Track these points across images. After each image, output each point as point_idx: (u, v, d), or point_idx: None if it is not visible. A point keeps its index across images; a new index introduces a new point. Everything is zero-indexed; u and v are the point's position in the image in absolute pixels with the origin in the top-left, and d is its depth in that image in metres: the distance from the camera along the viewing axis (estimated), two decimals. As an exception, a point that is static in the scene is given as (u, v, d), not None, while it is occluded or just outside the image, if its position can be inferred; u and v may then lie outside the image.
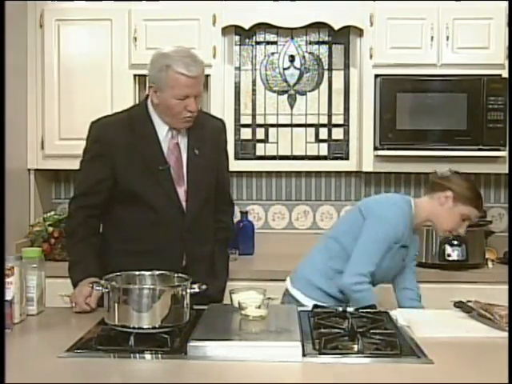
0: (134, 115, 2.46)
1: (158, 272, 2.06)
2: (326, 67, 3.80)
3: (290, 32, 3.74)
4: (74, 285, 2.32)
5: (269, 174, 3.84)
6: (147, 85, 2.52)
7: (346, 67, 3.76)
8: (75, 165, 3.70)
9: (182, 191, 2.40)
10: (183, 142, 2.43)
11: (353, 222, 2.54)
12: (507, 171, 3.41)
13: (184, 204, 2.40)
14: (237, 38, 3.78)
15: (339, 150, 3.79)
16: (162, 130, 2.40)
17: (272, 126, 3.82)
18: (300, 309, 2.22)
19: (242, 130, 3.81)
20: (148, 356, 1.77)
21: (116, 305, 1.85)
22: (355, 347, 1.83)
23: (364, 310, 2.19)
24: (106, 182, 2.39)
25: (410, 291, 2.61)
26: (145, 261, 2.23)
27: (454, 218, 2.49)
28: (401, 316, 2.17)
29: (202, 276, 2.32)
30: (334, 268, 2.52)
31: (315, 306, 2.28)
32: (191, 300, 1.95)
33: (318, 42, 3.79)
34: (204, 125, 2.47)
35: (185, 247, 2.42)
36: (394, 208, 2.49)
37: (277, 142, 3.82)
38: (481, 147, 3.37)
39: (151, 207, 2.37)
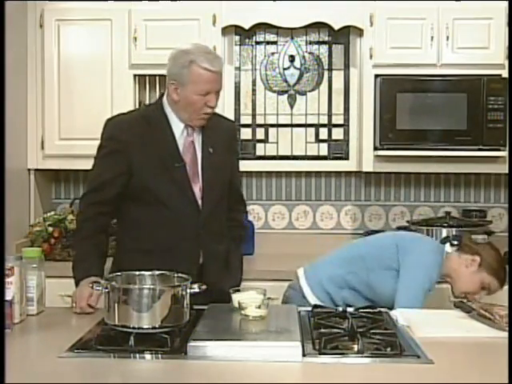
0: (149, 113, 2.47)
1: (157, 272, 2.06)
2: (326, 67, 3.79)
3: (290, 32, 3.74)
4: (76, 283, 2.33)
5: (269, 173, 3.84)
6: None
7: (346, 67, 3.76)
8: (75, 165, 3.70)
9: (197, 189, 2.41)
10: (198, 141, 2.45)
11: (385, 251, 2.57)
12: (507, 171, 3.41)
13: (200, 201, 2.41)
14: (237, 37, 3.78)
15: (339, 150, 3.79)
16: (178, 128, 2.42)
17: (272, 126, 3.82)
18: (300, 309, 2.23)
19: (242, 130, 3.81)
20: (148, 356, 1.77)
21: (116, 305, 1.85)
22: (355, 347, 1.83)
23: (364, 310, 2.19)
24: (120, 178, 2.38)
25: None
26: (161, 260, 2.24)
27: (475, 283, 2.52)
28: (401, 316, 2.17)
29: (218, 273, 2.40)
30: (349, 283, 2.56)
31: (315, 306, 2.28)
32: (191, 300, 1.95)
33: (318, 42, 3.79)
34: (217, 126, 2.49)
35: (201, 244, 2.43)
36: (431, 255, 2.53)
37: (277, 142, 3.82)
38: (481, 147, 3.36)
39: (166, 205, 2.38)
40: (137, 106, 3.51)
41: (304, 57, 3.80)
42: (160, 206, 2.38)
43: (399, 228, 3.50)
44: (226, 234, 2.55)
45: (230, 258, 2.55)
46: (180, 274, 2.02)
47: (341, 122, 3.79)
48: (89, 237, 2.38)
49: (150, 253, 2.36)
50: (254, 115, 3.82)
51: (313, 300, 2.54)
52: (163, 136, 2.40)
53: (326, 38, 3.78)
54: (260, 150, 3.82)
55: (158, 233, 2.40)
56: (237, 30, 3.68)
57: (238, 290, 2.17)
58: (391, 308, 2.35)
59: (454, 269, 2.54)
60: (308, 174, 3.83)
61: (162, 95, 2.49)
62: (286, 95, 3.82)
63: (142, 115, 2.49)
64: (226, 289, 2.27)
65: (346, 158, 3.76)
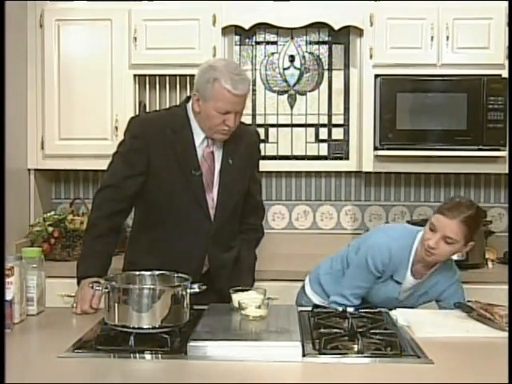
0: (174, 116, 2.46)
1: (157, 272, 2.06)
2: (326, 67, 3.79)
3: (290, 32, 3.74)
4: (78, 280, 2.32)
5: (269, 173, 3.83)
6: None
7: (346, 67, 3.76)
8: (75, 165, 3.70)
9: (210, 198, 2.41)
10: (218, 152, 2.44)
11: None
12: (507, 171, 3.41)
13: (212, 211, 2.41)
14: (237, 37, 3.78)
15: (339, 150, 3.79)
16: (199, 137, 2.41)
17: (272, 126, 3.82)
18: (300, 309, 2.23)
19: (242, 130, 3.80)
20: (148, 356, 1.77)
21: (116, 305, 1.86)
22: (355, 347, 1.83)
23: (364, 310, 2.19)
24: (138, 177, 2.39)
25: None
26: (167, 262, 2.24)
27: (424, 231, 2.39)
28: (401, 316, 2.17)
29: (225, 280, 2.40)
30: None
31: (315, 306, 2.28)
32: (191, 300, 1.95)
33: (318, 42, 3.79)
34: (241, 136, 2.48)
35: (208, 252, 2.44)
36: (380, 235, 2.50)
37: (277, 142, 3.82)
38: (481, 147, 3.36)
39: (179, 210, 2.39)
40: (137, 106, 3.51)
41: (304, 57, 3.80)
42: (173, 210, 2.39)
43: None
44: (237, 241, 2.56)
45: (242, 261, 2.56)
46: (180, 274, 2.02)
47: (341, 122, 3.79)
48: (102, 235, 2.37)
49: (161, 255, 2.37)
50: (253, 115, 3.82)
51: (309, 293, 2.61)
52: (184, 142, 2.40)
53: (326, 38, 3.78)
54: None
55: (168, 235, 2.42)
56: (237, 29, 3.68)
57: (239, 290, 2.17)
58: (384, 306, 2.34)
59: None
60: (308, 173, 3.83)
61: (187, 99, 2.48)
62: (285, 95, 3.82)
63: (166, 117, 2.48)
64: None
65: (346, 158, 3.76)
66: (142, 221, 2.50)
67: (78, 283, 2.31)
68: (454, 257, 2.68)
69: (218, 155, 2.44)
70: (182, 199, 2.38)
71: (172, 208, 2.39)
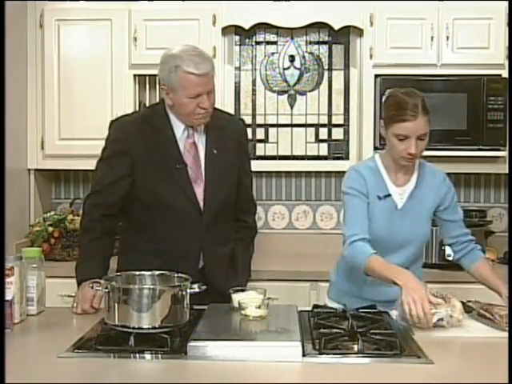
0: (152, 115, 2.47)
1: (157, 272, 2.06)
2: (326, 67, 3.80)
3: (290, 32, 3.74)
4: (78, 282, 2.33)
5: (269, 173, 3.83)
6: (157, 86, 2.51)
7: (346, 67, 3.76)
8: (75, 165, 3.70)
9: (200, 190, 2.41)
10: (201, 142, 2.44)
11: None
12: (507, 171, 3.41)
13: (201, 204, 2.41)
14: (237, 37, 3.78)
15: (339, 150, 3.79)
16: (179, 129, 2.41)
17: (272, 125, 3.82)
18: (300, 309, 2.22)
19: (242, 130, 3.81)
20: (148, 356, 1.77)
21: (116, 305, 1.86)
22: (355, 347, 1.83)
23: (364, 310, 2.19)
24: (124, 180, 2.39)
25: (455, 246, 2.48)
26: (164, 261, 2.25)
27: (392, 143, 2.30)
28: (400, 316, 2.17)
29: (222, 276, 2.39)
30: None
31: (315, 306, 2.28)
32: (192, 299, 1.95)
33: (318, 42, 3.79)
34: (225, 126, 2.48)
35: (203, 247, 2.43)
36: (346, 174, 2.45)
37: (277, 142, 3.82)
38: (481, 147, 3.36)
39: (169, 206, 2.38)
40: (137, 106, 3.52)
41: (304, 57, 3.80)
42: (163, 208, 2.39)
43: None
44: (232, 236, 2.54)
45: (237, 260, 2.55)
46: (180, 274, 2.02)
47: (341, 122, 3.79)
48: (97, 238, 2.38)
49: (153, 254, 2.37)
50: (254, 115, 3.82)
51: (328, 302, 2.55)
52: (165, 137, 2.40)
53: (326, 38, 3.78)
54: (260, 150, 3.82)
55: (163, 234, 2.41)
56: (237, 30, 3.68)
57: (239, 290, 2.17)
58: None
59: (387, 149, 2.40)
60: (308, 173, 3.83)
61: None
62: (285, 95, 3.82)
63: (145, 117, 2.49)
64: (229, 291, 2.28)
65: (346, 158, 3.76)
66: (133, 222, 2.48)
67: (78, 285, 2.32)
68: (450, 258, 2.66)
69: (202, 146, 2.43)
70: (170, 195, 2.37)
71: (162, 205, 2.38)
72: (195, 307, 2.06)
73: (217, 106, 3.46)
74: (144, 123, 2.43)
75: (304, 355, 1.76)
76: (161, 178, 2.37)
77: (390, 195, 2.38)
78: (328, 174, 3.82)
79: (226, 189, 2.46)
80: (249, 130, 3.81)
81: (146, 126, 2.42)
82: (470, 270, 2.46)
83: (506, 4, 3.36)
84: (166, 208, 2.38)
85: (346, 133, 3.77)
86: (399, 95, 2.29)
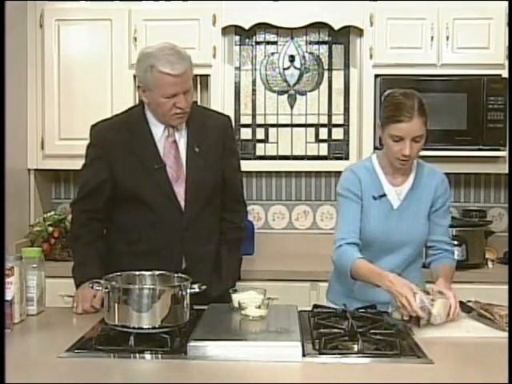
0: (131, 116, 2.46)
1: (157, 272, 2.06)
2: (326, 67, 3.79)
3: (290, 32, 3.74)
4: (77, 286, 2.33)
5: (269, 173, 3.84)
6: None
7: (346, 67, 3.76)
8: (75, 165, 3.70)
9: (181, 190, 2.38)
10: (182, 141, 2.41)
11: None
12: (507, 171, 3.41)
13: (183, 203, 2.38)
14: (237, 37, 3.78)
15: (339, 150, 3.79)
16: (158, 129, 2.39)
17: (272, 125, 3.82)
18: (300, 309, 2.22)
19: (242, 130, 3.81)
20: (148, 356, 1.77)
21: (116, 305, 1.86)
22: (355, 347, 1.83)
23: (364, 310, 2.19)
24: (106, 184, 2.39)
25: (430, 250, 2.45)
26: (146, 262, 2.23)
27: (387, 144, 2.30)
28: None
29: (205, 277, 2.30)
30: None
31: (315, 306, 2.28)
32: (191, 300, 1.95)
33: (318, 42, 3.79)
34: (206, 123, 2.45)
35: (184, 248, 2.41)
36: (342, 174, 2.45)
37: (277, 142, 3.82)
38: (481, 147, 3.37)
39: (150, 207, 2.37)
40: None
41: (304, 57, 3.80)
42: (145, 209, 2.37)
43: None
44: (216, 236, 2.50)
45: (221, 263, 2.49)
46: (180, 274, 2.02)
47: (341, 122, 3.79)
48: (90, 242, 2.39)
49: (139, 255, 2.36)
50: (254, 115, 3.82)
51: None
52: (143, 139, 2.38)
53: (326, 38, 3.78)
54: (260, 150, 3.82)
55: (145, 235, 2.40)
56: (237, 30, 3.67)
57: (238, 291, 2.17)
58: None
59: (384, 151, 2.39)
60: (308, 173, 3.83)
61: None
62: (285, 95, 3.82)
63: (123, 119, 2.47)
64: (213, 294, 2.27)
65: (346, 158, 3.76)
66: (115, 224, 2.46)
67: (77, 288, 2.32)
68: (455, 257, 2.65)
69: (183, 145, 2.40)
70: (149, 195, 2.36)
71: (142, 206, 2.37)
72: (195, 307, 2.06)
73: (217, 106, 3.48)
74: (121, 126, 2.42)
75: (304, 355, 1.76)
76: (141, 180, 2.36)
77: (385, 195, 2.37)
78: (328, 174, 3.82)
79: (207, 188, 2.42)
80: (249, 130, 3.81)
81: (124, 128, 2.40)
82: (432, 267, 2.42)
83: (505, 4, 3.36)
84: (146, 209, 2.37)
85: (346, 133, 3.77)
86: (396, 96, 2.28)
